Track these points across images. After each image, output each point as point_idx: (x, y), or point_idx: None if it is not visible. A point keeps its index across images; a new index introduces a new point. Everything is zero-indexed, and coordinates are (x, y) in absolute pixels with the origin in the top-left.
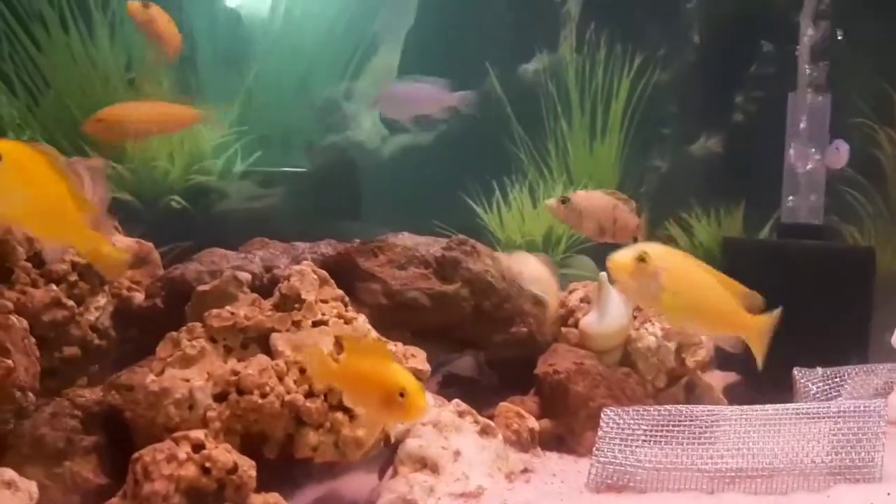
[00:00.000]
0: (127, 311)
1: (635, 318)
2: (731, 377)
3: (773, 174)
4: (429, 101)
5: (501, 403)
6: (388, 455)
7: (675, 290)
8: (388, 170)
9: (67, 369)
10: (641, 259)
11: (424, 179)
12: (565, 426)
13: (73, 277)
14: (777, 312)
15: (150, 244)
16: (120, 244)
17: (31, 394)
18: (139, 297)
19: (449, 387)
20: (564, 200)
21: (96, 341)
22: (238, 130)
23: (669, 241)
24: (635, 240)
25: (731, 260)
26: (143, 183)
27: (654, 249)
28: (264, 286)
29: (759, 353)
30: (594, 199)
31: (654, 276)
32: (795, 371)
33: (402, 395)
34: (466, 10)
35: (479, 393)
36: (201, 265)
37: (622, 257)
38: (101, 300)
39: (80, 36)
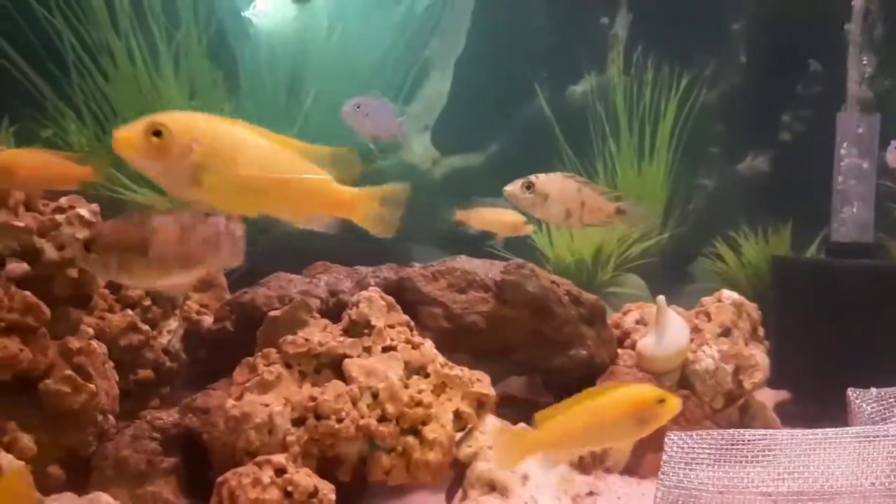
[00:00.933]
0: (196, 333)
1: (692, 340)
2: (782, 395)
3: (820, 192)
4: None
5: None
6: (454, 478)
7: (220, 168)
8: (439, 191)
9: (141, 391)
10: (157, 132)
11: (476, 201)
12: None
13: (147, 302)
14: (393, 188)
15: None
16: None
17: (111, 417)
18: (208, 320)
19: (506, 407)
20: (528, 186)
21: (168, 364)
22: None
23: (718, 259)
24: None
25: (781, 279)
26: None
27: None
28: (330, 310)
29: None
30: (559, 182)
31: (183, 155)
32: (850, 392)
33: (661, 401)
34: (516, 34)
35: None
36: (269, 290)
37: (127, 131)
38: (173, 324)
39: (146, 67)
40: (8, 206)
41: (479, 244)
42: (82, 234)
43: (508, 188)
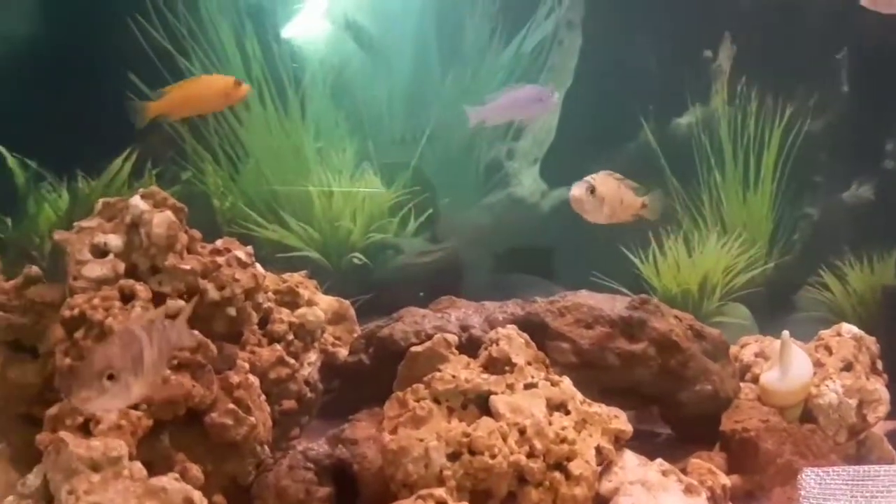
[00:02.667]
0: (332, 365)
1: (815, 374)
2: (891, 425)
3: None
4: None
5: (692, 460)
6: None
7: None
8: (548, 224)
9: (286, 421)
10: None
11: (582, 232)
12: (755, 482)
13: (290, 336)
14: None
15: (348, 303)
16: (323, 303)
17: (266, 447)
18: (343, 352)
19: (629, 441)
20: (592, 190)
21: (308, 394)
22: (412, 190)
23: (824, 288)
24: None
25: (893, 308)
26: (329, 242)
27: None
28: (462, 345)
29: None
30: (610, 182)
31: None
32: None
33: None
34: (621, 69)
35: (657, 448)
36: (405, 325)
37: None
38: (313, 356)
39: (275, 110)
40: (175, 251)
41: (587, 275)
42: (241, 274)
43: (575, 192)
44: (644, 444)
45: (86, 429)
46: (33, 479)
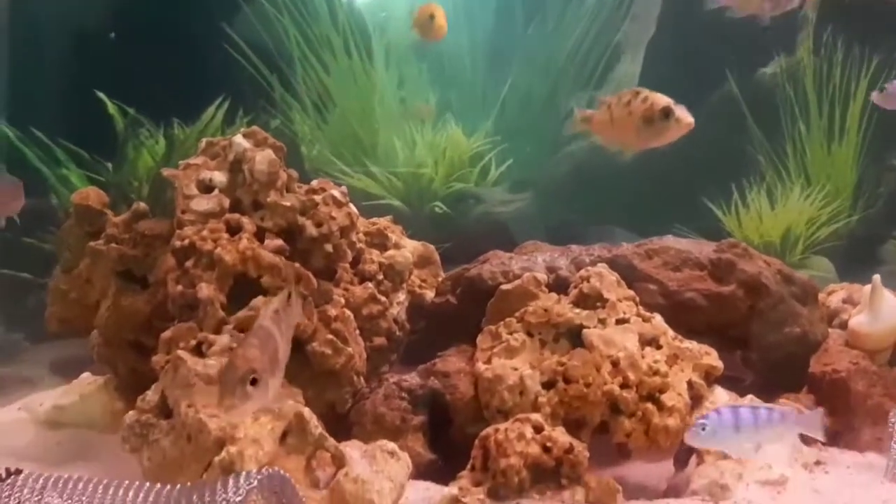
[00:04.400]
0: (419, 305)
1: None
2: None
3: None
4: None
5: (781, 400)
6: (680, 446)
7: None
8: (631, 174)
9: (376, 357)
10: None
11: (666, 183)
12: (844, 423)
13: (380, 277)
14: None
15: (433, 247)
16: (409, 246)
17: (362, 378)
18: (429, 293)
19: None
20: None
21: (397, 332)
22: (492, 140)
23: None
24: None
25: None
26: (411, 190)
27: None
28: (550, 286)
29: None
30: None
31: None
32: None
33: None
34: (705, 17)
35: (743, 393)
36: (493, 266)
37: None
38: (401, 296)
39: (360, 60)
40: (276, 187)
41: (668, 226)
42: (336, 213)
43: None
44: (730, 387)
45: (199, 351)
46: (152, 395)
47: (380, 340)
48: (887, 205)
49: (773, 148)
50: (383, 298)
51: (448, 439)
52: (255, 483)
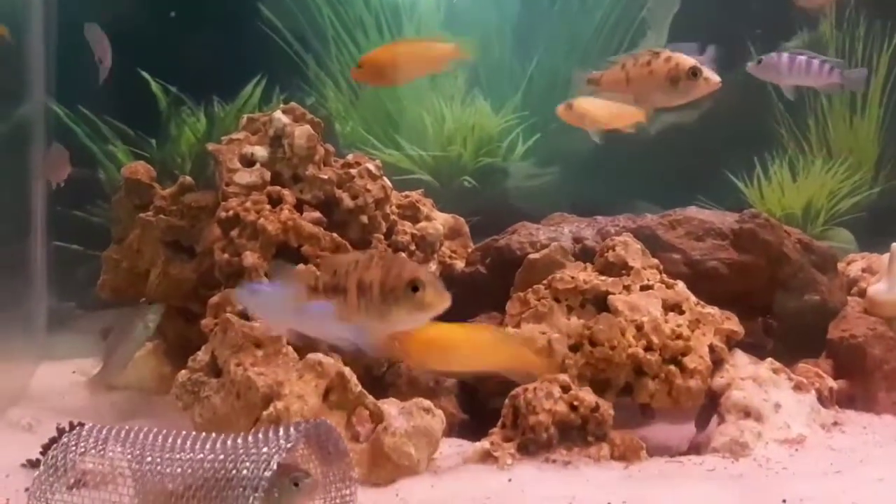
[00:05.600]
0: (450, 275)
1: None
2: None
3: None
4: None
5: (800, 364)
6: (703, 406)
7: None
8: (654, 148)
9: None
10: None
11: (689, 156)
12: (860, 386)
13: (413, 247)
14: None
15: (462, 219)
16: (440, 219)
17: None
18: (459, 264)
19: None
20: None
21: None
22: (520, 115)
23: None
24: None
25: None
26: (441, 165)
27: None
28: (576, 255)
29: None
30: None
31: None
32: None
33: None
34: None
35: (763, 356)
36: (521, 237)
37: None
38: (432, 266)
39: (392, 36)
40: (314, 161)
41: (691, 199)
42: (371, 185)
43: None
44: (751, 353)
45: (244, 315)
46: (202, 356)
47: None
48: None
49: (796, 122)
50: None
51: (477, 400)
52: (303, 431)
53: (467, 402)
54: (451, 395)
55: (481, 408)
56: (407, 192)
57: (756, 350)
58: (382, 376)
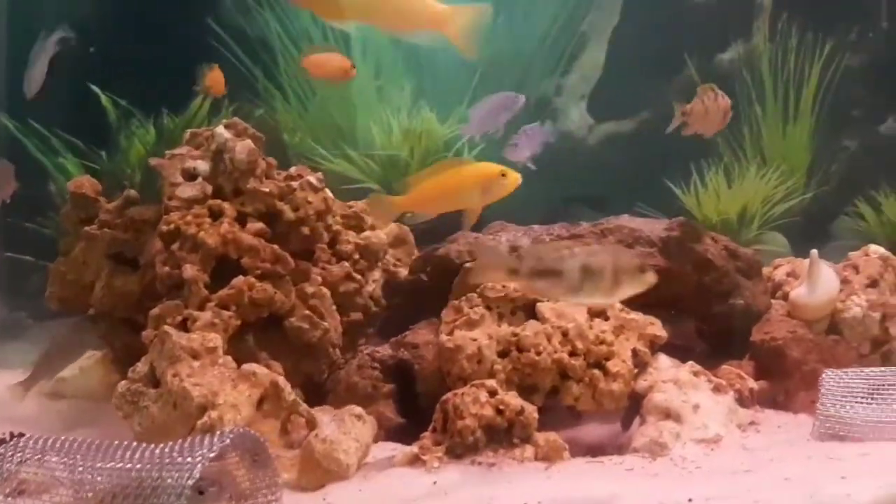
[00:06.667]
0: (393, 283)
1: (841, 290)
2: None
3: None
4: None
5: (723, 366)
6: (628, 408)
7: None
8: (594, 156)
9: (352, 331)
10: None
11: (627, 164)
12: (780, 387)
13: (357, 256)
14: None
15: (407, 228)
16: (384, 229)
17: (338, 350)
18: (403, 271)
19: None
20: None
21: (373, 308)
22: (464, 125)
23: (859, 217)
24: None
25: None
26: (389, 174)
27: None
28: None
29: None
30: None
31: None
32: None
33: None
34: (667, 5)
35: (692, 359)
36: (460, 246)
37: None
38: (376, 274)
39: (339, 50)
40: (255, 175)
41: (631, 206)
42: (313, 197)
43: None
44: (680, 357)
45: (184, 326)
46: (141, 367)
47: (356, 315)
48: (839, 183)
49: (731, 130)
50: (359, 276)
51: (416, 405)
52: (228, 440)
53: (406, 405)
54: (388, 400)
55: (419, 411)
56: (351, 203)
57: (687, 353)
58: (323, 383)
